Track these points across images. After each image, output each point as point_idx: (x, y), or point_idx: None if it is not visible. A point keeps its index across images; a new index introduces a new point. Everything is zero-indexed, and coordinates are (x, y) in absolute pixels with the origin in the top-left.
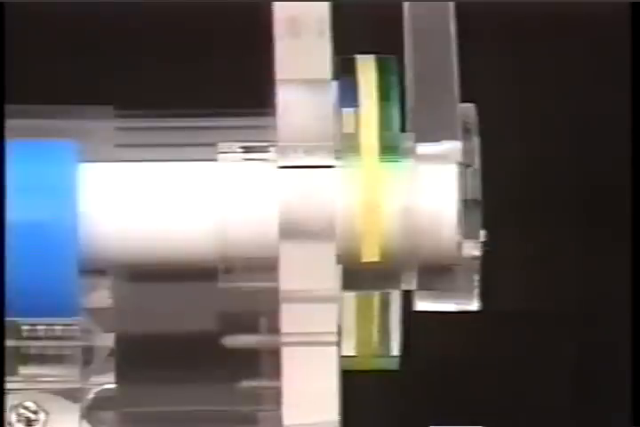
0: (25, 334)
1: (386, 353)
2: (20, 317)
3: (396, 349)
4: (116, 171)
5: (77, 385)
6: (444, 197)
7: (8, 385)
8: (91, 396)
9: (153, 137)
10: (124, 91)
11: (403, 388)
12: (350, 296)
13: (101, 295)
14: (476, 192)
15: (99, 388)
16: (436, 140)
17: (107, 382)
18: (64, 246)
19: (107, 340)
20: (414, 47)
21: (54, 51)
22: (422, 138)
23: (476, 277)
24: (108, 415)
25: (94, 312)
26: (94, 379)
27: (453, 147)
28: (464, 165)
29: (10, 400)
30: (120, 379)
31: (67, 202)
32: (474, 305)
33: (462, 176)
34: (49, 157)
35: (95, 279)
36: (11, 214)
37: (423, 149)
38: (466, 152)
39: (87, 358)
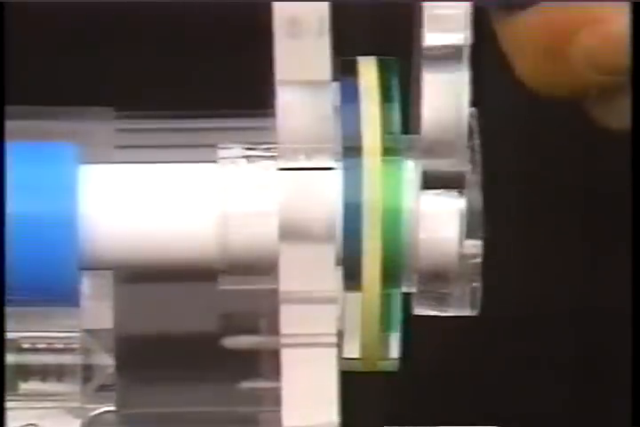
0: (25, 351)
1: (386, 355)
2: (19, 306)
3: (395, 351)
4: (117, 172)
5: (78, 404)
6: (445, 198)
7: (9, 404)
8: (91, 415)
9: (153, 138)
10: (124, 91)
11: (403, 388)
12: (352, 297)
13: (101, 296)
14: (476, 194)
15: (99, 411)
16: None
17: (107, 404)
18: (63, 243)
19: (107, 359)
20: None
21: (54, 51)
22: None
23: (477, 279)
24: (108, 416)
25: (95, 332)
26: (95, 399)
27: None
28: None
29: (10, 420)
30: (120, 380)
31: (67, 203)
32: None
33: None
34: (49, 159)
35: (95, 280)
36: (10, 214)
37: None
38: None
39: (87, 376)
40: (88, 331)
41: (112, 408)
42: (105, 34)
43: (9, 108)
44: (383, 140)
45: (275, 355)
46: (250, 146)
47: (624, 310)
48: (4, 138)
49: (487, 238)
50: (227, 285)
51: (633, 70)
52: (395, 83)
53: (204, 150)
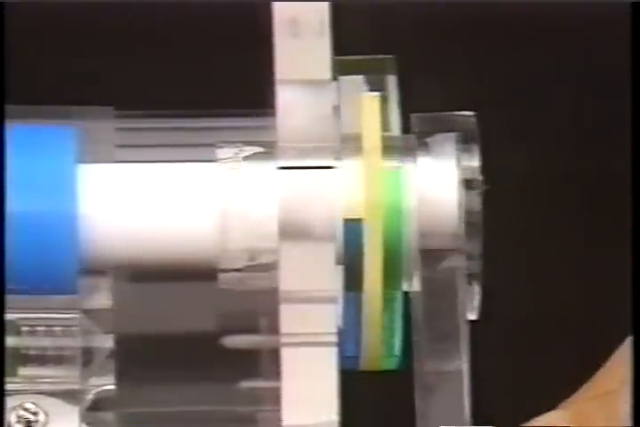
0: (24, 333)
1: (388, 353)
2: (19, 293)
3: (397, 349)
4: (117, 172)
5: (77, 386)
6: (445, 198)
7: (8, 386)
8: (90, 397)
9: (153, 138)
10: (124, 91)
11: (403, 388)
12: (352, 296)
13: (101, 296)
14: (476, 199)
15: (98, 389)
16: (437, 143)
17: (106, 383)
18: (64, 242)
19: (106, 341)
20: None
21: (54, 51)
22: (422, 138)
23: (477, 278)
24: (108, 416)
25: (94, 313)
26: (94, 380)
27: (453, 149)
28: (465, 169)
29: (9, 402)
30: (120, 379)
31: (67, 202)
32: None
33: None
34: (49, 156)
35: (95, 280)
36: (11, 213)
37: (424, 150)
38: (466, 157)
39: (86, 359)
40: (87, 311)
41: (112, 387)
42: (105, 34)
43: (9, 108)
44: (382, 139)
45: (275, 354)
46: (250, 145)
47: (624, 310)
48: (5, 138)
49: (487, 240)
50: (226, 284)
51: (633, 70)
52: (394, 82)
53: (204, 150)
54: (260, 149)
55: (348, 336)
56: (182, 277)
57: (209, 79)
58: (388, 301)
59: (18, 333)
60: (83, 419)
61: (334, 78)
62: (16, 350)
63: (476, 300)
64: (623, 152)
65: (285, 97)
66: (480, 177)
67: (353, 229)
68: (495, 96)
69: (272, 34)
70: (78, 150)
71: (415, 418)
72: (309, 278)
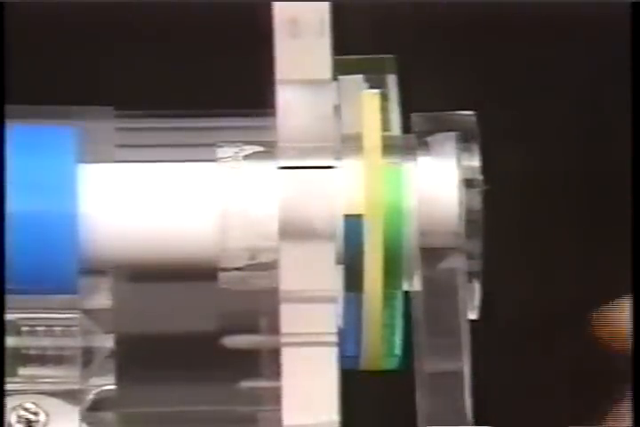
0: (24, 334)
1: (389, 353)
2: (19, 293)
3: (398, 348)
4: (117, 171)
5: (77, 386)
6: (446, 197)
7: (8, 386)
8: (90, 397)
9: (153, 137)
10: (124, 91)
11: (403, 388)
12: (353, 296)
13: (101, 296)
14: (476, 198)
15: (98, 389)
16: (437, 142)
17: (106, 383)
18: (64, 242)
19: (106, 341)
20: None
21: (54, 51)
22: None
23: (477, 277)
24: (108, 416)
25: (94, 313)
26: (94, 380)
27: (454, 149)
28: (465, 168)
29: (10, 402)
30: (120, 379)
31: (67, 202)
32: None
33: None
34: (49, 155)
35: (95, 280)
36: (11, 213)
37: (424, 149)
38: (467, 156)
39: (87, 359)
40: (87, 311)
41: (112, 387)
42: (105, 34)
43: (9, 108)
44: (383, 139)
45: (275, 354)
46: (249, 145)
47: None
48: (5, 138)
49: (487, 240)
50: (227, 283)
51: (632, 70)
52: (394, 81)
53: (204, 149)
54: (261, 149)
55: (349, 336)
56: (182, 277)
57: (209, 79)
58: (388, 300)
59: (18, 333)
60: (83, 419)
61: (334, 78)
62: (16, 350)
63: (477, 299)
64: (623, 152)
65: (285, 97)
66: (480, 176)
67: (353, 227)
68: (495, 96)
69: (272, 34)
70: (78, 150)
71: (415, 418)
72: (309, 278)
